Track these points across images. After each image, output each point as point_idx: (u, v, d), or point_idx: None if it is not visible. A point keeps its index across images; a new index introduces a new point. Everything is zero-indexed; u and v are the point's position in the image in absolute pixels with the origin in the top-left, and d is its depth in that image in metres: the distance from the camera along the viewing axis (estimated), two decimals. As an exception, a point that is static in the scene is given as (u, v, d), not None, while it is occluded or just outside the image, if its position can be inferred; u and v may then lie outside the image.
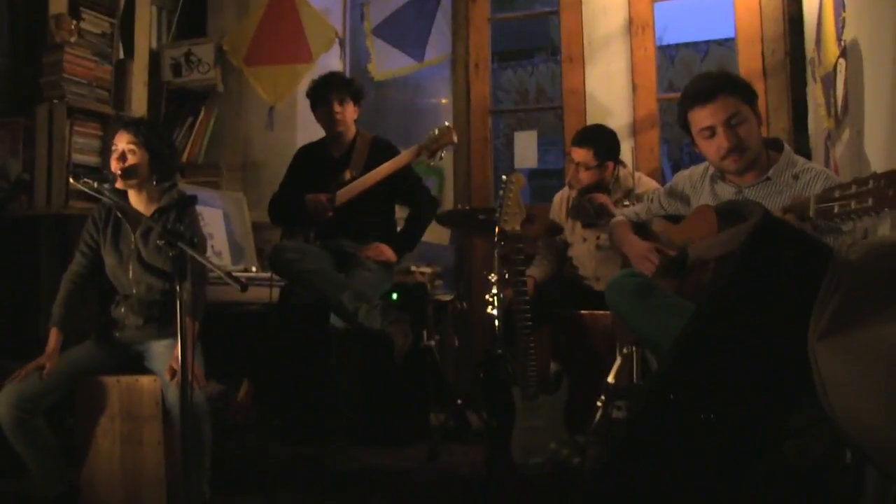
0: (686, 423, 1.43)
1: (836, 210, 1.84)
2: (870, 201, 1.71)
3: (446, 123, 3.43)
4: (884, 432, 1.10)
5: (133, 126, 2.87)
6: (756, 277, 1.42)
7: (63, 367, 2.70)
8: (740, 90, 2.45)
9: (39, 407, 2.60)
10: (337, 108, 3.60)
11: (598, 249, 3.60)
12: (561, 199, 3.85)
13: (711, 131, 2.45)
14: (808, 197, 2.01)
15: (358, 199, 3.48)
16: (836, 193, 1.86)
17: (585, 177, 3.59)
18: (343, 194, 3.47)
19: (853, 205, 1.77)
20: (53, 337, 2.78)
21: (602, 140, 3.61)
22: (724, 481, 1.46)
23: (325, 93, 3.63)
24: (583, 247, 3.68)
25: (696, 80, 2.56)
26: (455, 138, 3.43)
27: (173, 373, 2.60)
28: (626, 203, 3.41)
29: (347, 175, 3.53)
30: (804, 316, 1.23)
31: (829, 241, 1.97)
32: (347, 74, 4.62)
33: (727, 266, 1.77)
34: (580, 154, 3.58)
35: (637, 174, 3.75)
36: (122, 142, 2.83)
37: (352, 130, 3.71)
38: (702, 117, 2.46)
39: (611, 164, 3.63)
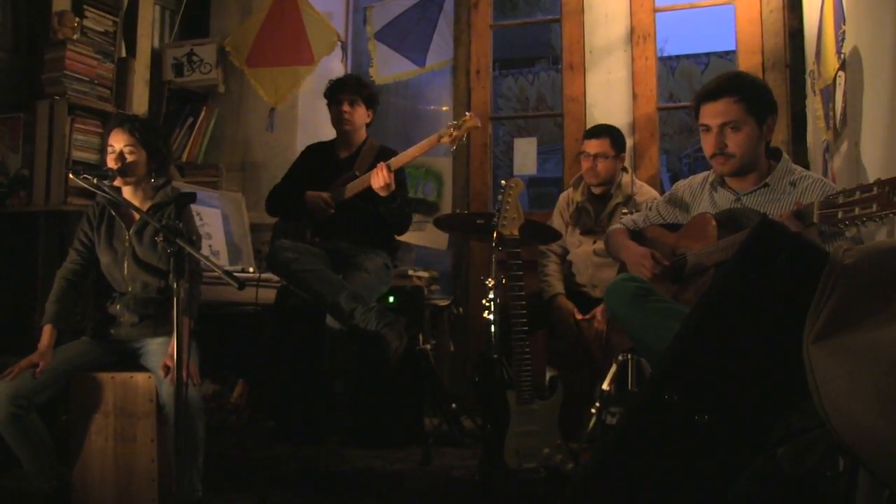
0: (680, 424, 1.44)
1: (839, 216, 1.85)
2: (874, 207, 1.72)
3: (467, 113, 3.40)
4: (878, 434, 1.10)
5: (128, 124, 2.86)
6: (752, 279, 1.42)
7: (58, 364, 2.69)
8: (749, 99, 2.46)
9: (34, 403, 2.59)
10: (346, 108, 3.62)
11: (595, 255, 3.60)
12: (566, 200, 3.85)
13: (706, 128, 2.52)
14: (811, 203, 2.02)
15: (356, 200, 3.48)
16: (840, 199, 1.87)
17: (603, 167, 3.61)
18: (351, 188, 3.48)
19: (857, 210, 1.78)
20: (47, 334, 2.77)
21: (615, 132, 3.69)
22: (717, 483, 1.46)
23: (336, 93, 3.66)
24: (579, 251, 3.68)
25: (717, 76, 2.61)
26: (479, 123, 3.41)
27: (167, 369, 2.60)
28: (626, 211, 3.42)
29: (351, 175, 3.54)
30: (799, 319, 1.24)
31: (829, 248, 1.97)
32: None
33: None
34: (596, 145, 3.61)
35: (638, 182, 3.76)
36: (120, 142, 2.83)
37: (361, 134, 3.71)
38: (704, 113, 2.52)
39: (623, 158, 3.70)
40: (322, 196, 3.49)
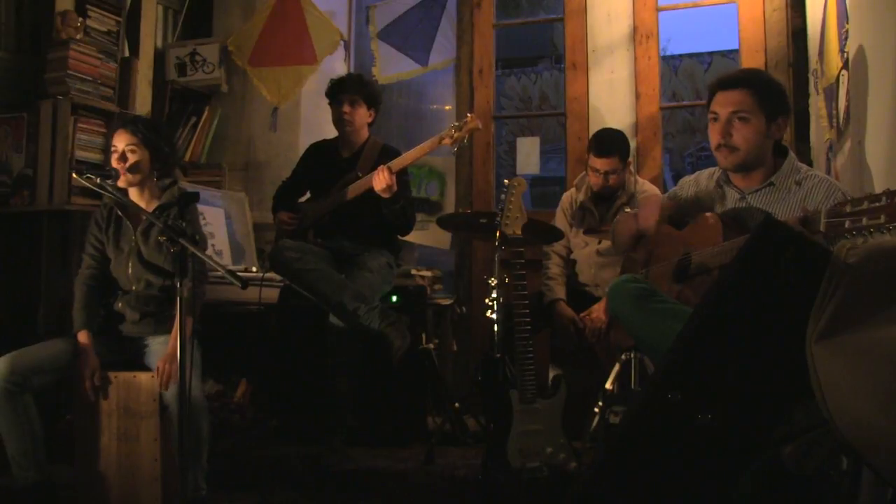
0: (683, 424, 1.44)
1: (846, 225, 1.81)
2: (882, 218, 1.69)
3: (469, 115, 3.39)
4: (881, 433, 1.10)
5: (131, 124, 2.88)
6: (755, 278, 1.42)
7: (59, 352, 2.72)
8: (762, 94, 2.45)
9: (30, 383, 2.60)
10: (346, 108, 3.61)
11: (598, 255, 3.60)
12: (570, 199, 3.84)
13: (715, 116, 2.50)
14: (818, 210, 2.00)
15: (358, 200, 3.48)
16: (848, 209, 1.83)
17: (613, 181, 3.62)
18: (353, 190, 3.49)
19: (865, 221, 1.75)
20: (84, 338, 2.77)
21: (622, 145, 3.66)
22: (720, 483, 1.46)
23: (337, 92, 3.66)
24: (583, 252, 3.68)
25: (738, 68, 2.60)
26: (480, 124, 3.41)
27: (160, 370, 2.61)
28: (628, 210, 3.42)
29: (353, 176, 3.54)
30: (802, 318, 1.24)
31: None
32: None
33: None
34: (606, 163, 3.59)
35: (641, 181, 3.77)
36: (122, 142, 2.85)
37: (363, 134, 3.71)
38: (716, 101, 2.51)
39: (630, 163, 3.72)
40: (284, 220, 3.64)
